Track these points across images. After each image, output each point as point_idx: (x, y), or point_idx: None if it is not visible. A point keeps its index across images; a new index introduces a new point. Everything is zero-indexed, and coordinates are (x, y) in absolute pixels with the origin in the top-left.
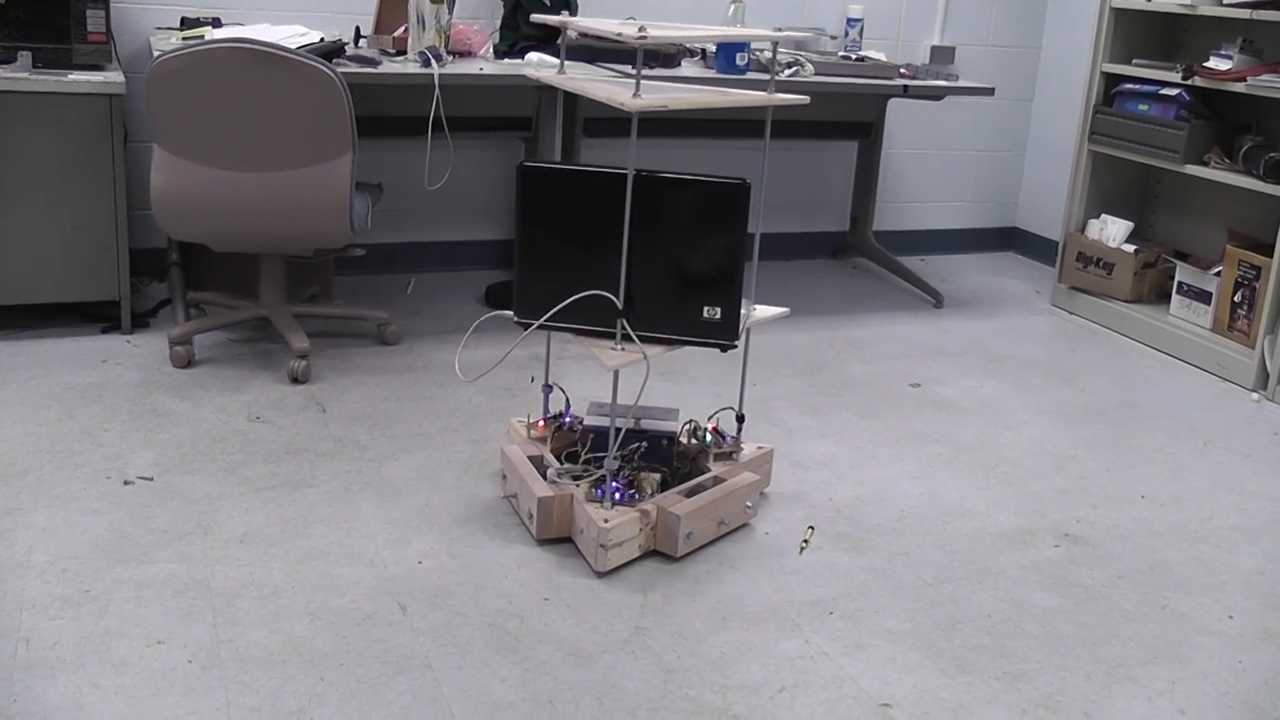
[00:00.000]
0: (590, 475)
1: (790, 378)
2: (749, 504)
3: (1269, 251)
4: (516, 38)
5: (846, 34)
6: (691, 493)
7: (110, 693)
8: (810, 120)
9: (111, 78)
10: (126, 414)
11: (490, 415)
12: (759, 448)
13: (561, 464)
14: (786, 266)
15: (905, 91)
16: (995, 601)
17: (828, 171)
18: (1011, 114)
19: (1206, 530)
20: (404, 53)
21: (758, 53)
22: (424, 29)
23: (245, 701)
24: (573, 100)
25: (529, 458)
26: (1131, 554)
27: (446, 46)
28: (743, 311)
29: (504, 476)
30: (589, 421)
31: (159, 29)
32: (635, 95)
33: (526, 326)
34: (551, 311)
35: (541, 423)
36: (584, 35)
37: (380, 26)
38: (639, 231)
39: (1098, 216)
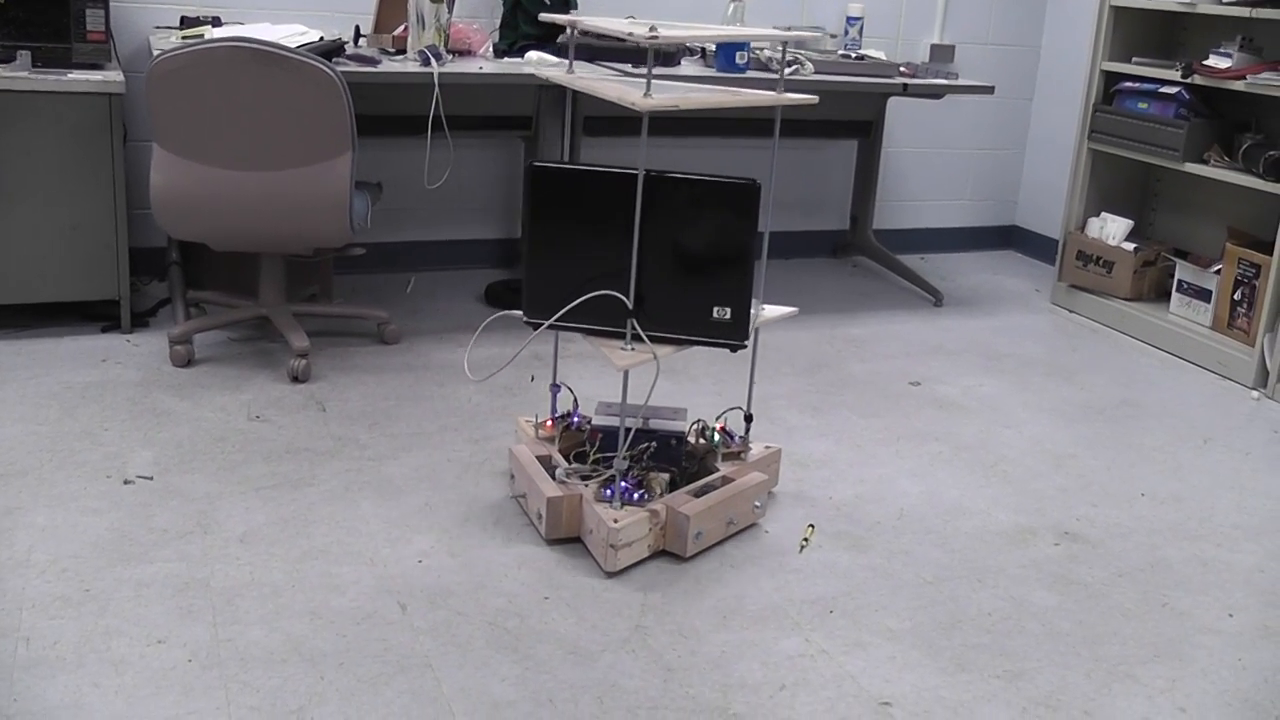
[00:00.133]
0: (599, 475)
1: (790, 376)
2: (757, 504)
3: (1269, 249)
4: (516, 37)
5: (846, 32)
6: (700, 493)
7: (110, 692)
8: (810, 119)
9: (111, 77)
10: (126, 413)
11: (490, 414)
12: (766, 447)
13: (570, 464)
14: (786, 265)
15: (905, 90)
16: (995, 600)
17: (828, 170)
18: (1011, 112)
19: (1206, 528)
20: (404, 52)
21: (758, 51)
22: (423, 28)
23: (245, 700)
24: (573, 99)
25: (537, 457)
26: (1131, 552)
27: (446, 45)
28: (752, 311)
29: (512, 476)
30: (597, 421)
31: (158, 28)
32: (646, 95)
33: (536, 326)
34: (561, 311)
35: (549, 422)
36: (584, 33)
37: (380, 25)
38: (649, 231)
39: (1097, 215)
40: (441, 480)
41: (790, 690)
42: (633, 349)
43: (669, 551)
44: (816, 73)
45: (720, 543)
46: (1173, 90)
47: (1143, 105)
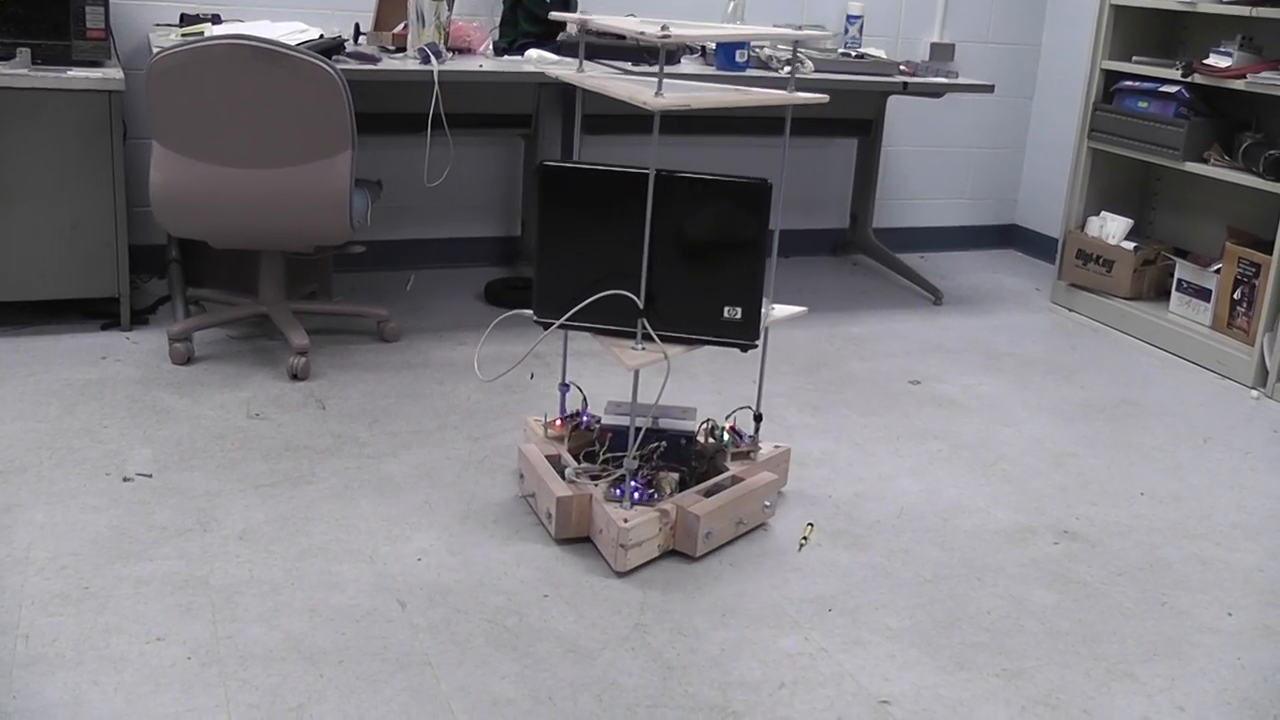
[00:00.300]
0: (608, 474)
1: (790, 375)
2: (767, 503)
3: (1268, 249)
4: (516, 34)
5: (846, 31)
6: (710, 492)
7: (109, 689)
8: (810, 117)
9: (111, 74)
10: (126, 411)
11: (490, 412)
12: (776, 447)
13: (579, 463)
14: (786, 263)
15: (905, 89)
16: (994, 598)
17: (828, 168)
18: (1011, 111)
19: (1206, 527)
20: (403, 49)
21: (758, 50)
22: (423, 26)
23: (244, 698)
24: (572, 97)
25: (546, 457)
26: (1131, 551)
27: (446, 43)
28: (762, 311)
29: (521, 476)
30: (607, 420)
31: (158, 25)
32: (658, 94)
33: (546, 325)
34: (572, 310)
35: (559, 421)
36: (583, 31)
37: (380, 23)
38: (659, 230)
39: (1097, 214)
40: (441, 478)
41: (789, 688)
42: (643, 349)
43: (678, 551)
44: (816, 71)
45: (730, 542)
46: (1173, 89)
47: (1143, 104)
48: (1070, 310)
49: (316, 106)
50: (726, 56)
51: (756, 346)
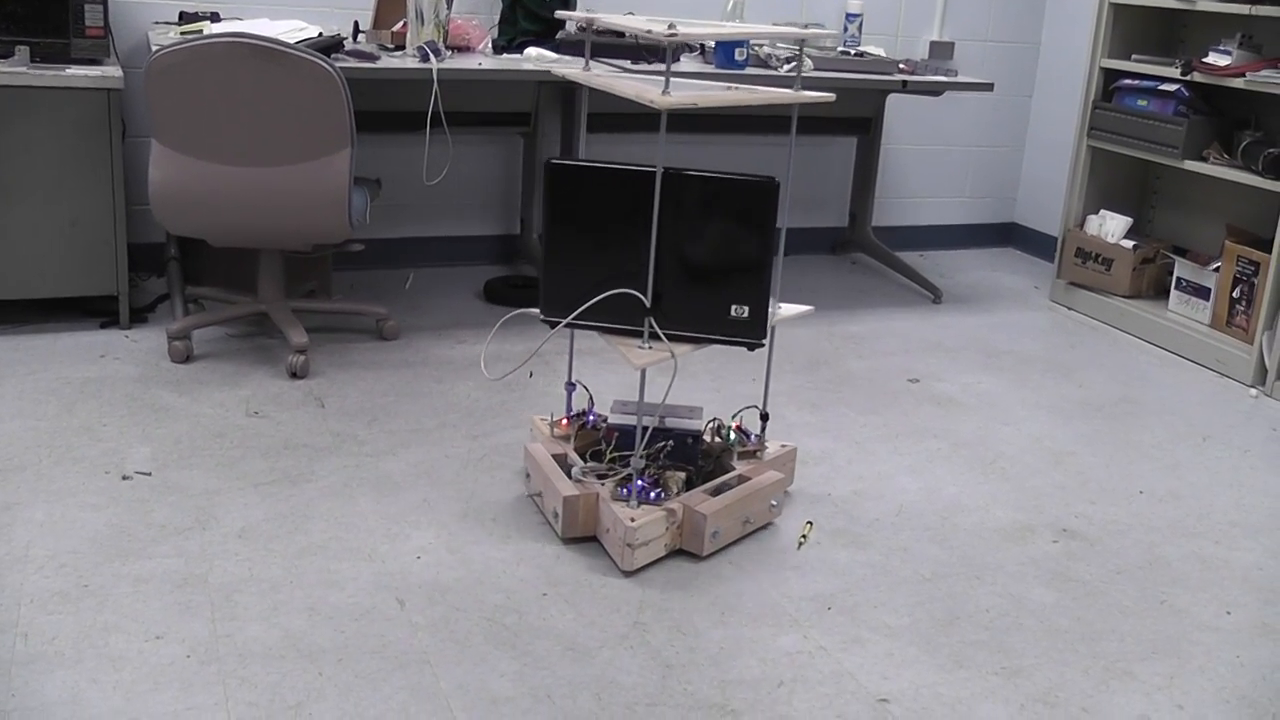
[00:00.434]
0: (615, 474)
1: (789, 373)
2: (774, 502)
3: (1267, 247)
4: (515, 33)
5: (845, 29)
6: (717, 491)
7: (109, 688)
8: (810, 116)
9: (110, 72)
10: (125, 409)
11: (488, 411)
12: (783, 446)
13: (585, 462)
14: (785, 262)
15: (904, 87)
16: (993, 597)
17: (827, 167)
18: (1010, 109)
19: (1205, 526)
20: (403, 48)
21: (756, 48)
22: (423, 24)
23: (244, 696)
24: (571, 96)
25: (553, 456)
26: (1130, 549)
27: (445, 41)
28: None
29: (527, 475)
30: (613, 420)
31: (157, 23)
32: (665, 93)
33: (553, 324)
34: (579, 309)
35: (565, 420)
36: (582, 29)
37: (379, 21)
38: (666, 229)
39: (1096, 212)
40: (440, 476)
41: (788, 687)
42: (650, 348)
43: (685, 550)
44: (816, 70)
45: (737, 542)
46: (1172, 87)
47: (1142, 102)
48: (1069, 309)
49: (315, 105)
50: (726, 55)
51: (764, 345)
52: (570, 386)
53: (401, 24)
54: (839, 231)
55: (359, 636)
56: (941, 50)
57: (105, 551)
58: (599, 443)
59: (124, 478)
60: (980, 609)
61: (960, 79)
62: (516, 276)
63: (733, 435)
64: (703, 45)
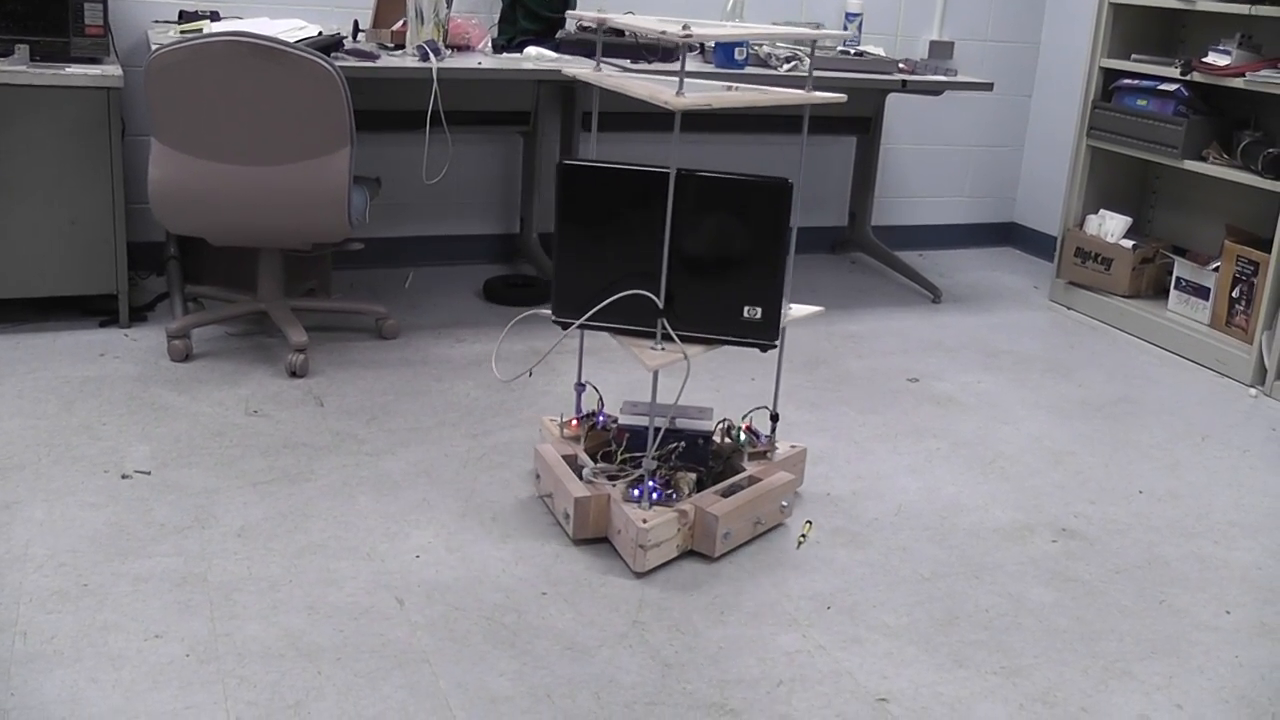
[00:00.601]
0: (626, 475)
1: (788, 372)
2: (784, 503)
3: (1267, 247)
4: (515, 32)
5: (845, 29)
6: (728, 492)
7: (108, 686)
8: (810, 115)
9: (109, 71)
10: (124, 408)
11: (488, 410)
12: (793, 447)
13: (596, 463)
14: None
15: (904, 86)
16: (992, 596)
17: (827, 166)
18: (1010, 109)
19: (1204, 525)
20: (402, 47)
21: (756, 47)
22: (422, 23)
23: (243, 695)
24: (571, 95)
25: (563, 457)
26: (1129, 549)
27: (445, 40)
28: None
29: (537, 476)
30: (624, 420)
31: (157, 22)
32: (679, 94)
33: (565, 325)
34: (592, 310)
35: (575, 421)
36: (583, 28)
37: (379, 20)
38: (679, 230)
39: (1096, 212)
40: (439, 475)
41: (787, 686)
42: (663, 349)
43: (697, 551)
44: (815, 69)
45: (748, 543)
46: (1172, 87)
47: (1142, 102)
48: (1069, 308)
49: (315, 103)
50: (725, 54)
51: (775, 346)
52: (580, 387)
53: (401, 23)
54: (838, 231)
55: (358, 635)
56: (941, 50)
57: (104, 550)
58: (609, 444)
59: (123, 476)
60: (979, 608)
61: (960, 79)
62: (516, 275)
63: (743, 436)
64: (702, 45)
